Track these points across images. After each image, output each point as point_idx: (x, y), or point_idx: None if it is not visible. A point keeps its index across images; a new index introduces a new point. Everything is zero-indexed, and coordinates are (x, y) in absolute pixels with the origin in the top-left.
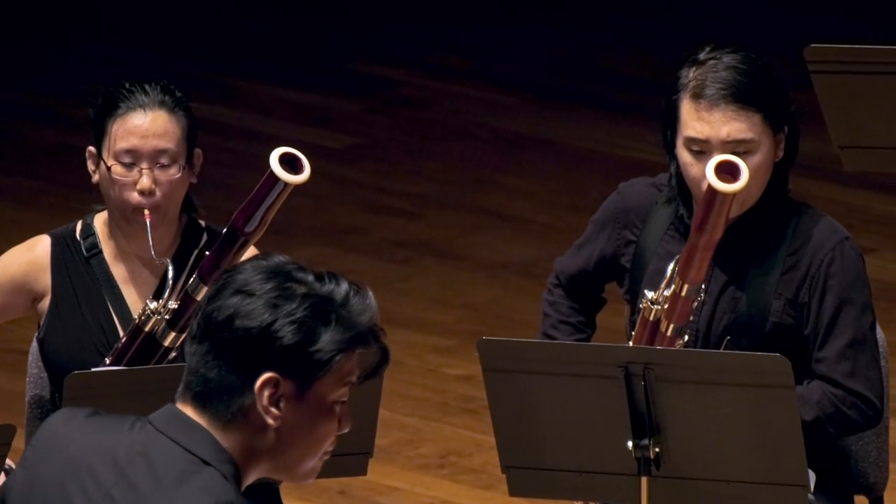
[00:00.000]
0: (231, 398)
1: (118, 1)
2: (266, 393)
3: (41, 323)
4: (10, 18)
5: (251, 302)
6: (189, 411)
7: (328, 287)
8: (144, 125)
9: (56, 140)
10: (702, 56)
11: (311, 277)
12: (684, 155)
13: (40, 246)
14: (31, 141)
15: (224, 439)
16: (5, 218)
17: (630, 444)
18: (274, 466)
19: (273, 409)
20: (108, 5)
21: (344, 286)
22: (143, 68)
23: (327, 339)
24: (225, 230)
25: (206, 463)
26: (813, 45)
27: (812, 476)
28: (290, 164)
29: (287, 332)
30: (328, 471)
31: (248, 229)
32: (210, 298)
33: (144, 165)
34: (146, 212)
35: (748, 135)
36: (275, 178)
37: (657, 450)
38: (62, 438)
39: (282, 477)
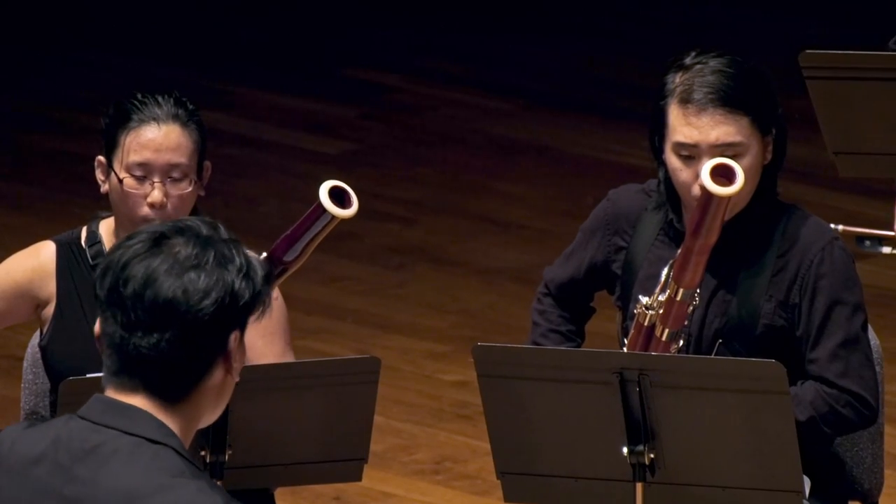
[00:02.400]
0: (199, 370)
1: (113, 6)
2: (234, 351)
3: (44, 330)
4: (3, 23)
5: (209, 272)
6: (134, 398)
7: (223, 229)
8: (158, 139)
9: (51, 145)
10: (688, 61)
11: (208, 227)
12: (673, 160)
13: (45, 252)
14: (26, 146)
15: (179, 410)
16: (0, 223)
17: (625, 449)
18: (210, 417)
19: (236, 364)
20: (103, 10)
21: (220, 224)
22: (137, 74)
23: (261, 278)
24: (263, 257)
25: (153, 441)
26: (807, 50)
27: (807, 482)
28: (338, 197)
29: (244, 289)
30: (324, 477)
31: (287, 258)
32: (144, 284)
33: (156, 179)
34: None
35: (737, 138)
36: (322, 210)
37: (652, 456)
38: (4, 459)
39: (205, 424)
